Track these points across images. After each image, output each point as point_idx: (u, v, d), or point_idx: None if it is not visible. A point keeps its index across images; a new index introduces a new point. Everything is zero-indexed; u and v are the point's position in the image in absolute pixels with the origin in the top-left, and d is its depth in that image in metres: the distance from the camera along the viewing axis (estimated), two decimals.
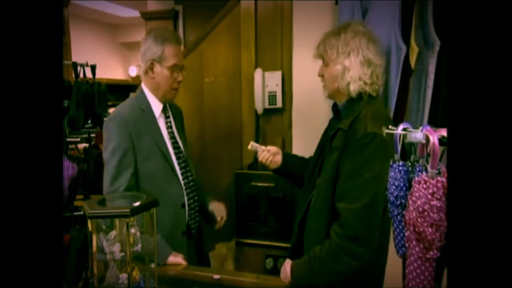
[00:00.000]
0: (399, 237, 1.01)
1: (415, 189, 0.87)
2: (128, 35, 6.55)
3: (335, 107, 1.46)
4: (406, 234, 0.91)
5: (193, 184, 1.70)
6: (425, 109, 1.73)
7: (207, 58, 2.35)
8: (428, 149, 0.90)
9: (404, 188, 0.97)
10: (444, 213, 0.83)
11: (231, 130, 2.34)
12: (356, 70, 1.32)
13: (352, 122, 1.30)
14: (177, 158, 1.65)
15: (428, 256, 0.87)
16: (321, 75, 1.43)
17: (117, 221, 1.14)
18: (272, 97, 2.15)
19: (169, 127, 1.67)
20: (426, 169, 0.90)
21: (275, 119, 2.22)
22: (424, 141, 0.90)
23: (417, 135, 0.91)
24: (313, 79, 1.45)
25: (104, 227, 1.14)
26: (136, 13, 4.99)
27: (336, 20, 1.92)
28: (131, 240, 1.12)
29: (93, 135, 2.55)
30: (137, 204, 1.12)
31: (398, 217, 1.00)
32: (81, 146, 2.71)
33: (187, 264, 1.50)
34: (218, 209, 1.77)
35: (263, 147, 1.65)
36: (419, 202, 0.86)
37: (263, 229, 2.08)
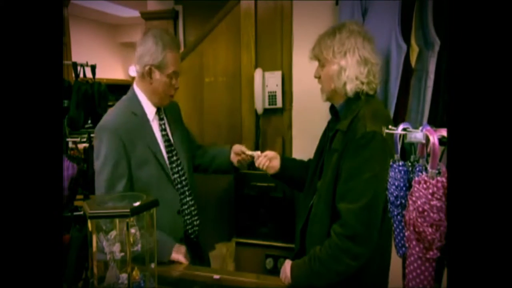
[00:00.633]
0: (399, 237, 1.01)
1: (415, 189, 0.87)
2: (128, 35, 6.55)
3: (333, 109, 1.46)
4: (406, 234, 0.91)
5: (188, 189, 1.66)
6: (425, 109, 1.73)
7: (207, 58, 2.34)
8: (428, 149, 0.90)
9: (404, 188, 0.97)
10: (444, 213, 0.83)
11: (231, 130, 2.33)
12: (352, 70, 1.31)
13: (351, 122, 1.30)
14: (171, 163, 1.61)
15: (428, 256, 0.87)
16: (318, 77, 1.43)
17: (117, 221, 1.14)
18: (272, 97, 2.15)
19: (163, 130, 1.62)
20: (426, 169, 0.90)
21: (275, 119, 2.21)
22: (424, 141, 0.90)
23: (417, 135, 0.91)
24: (313, 79, 1.45)
25: (104, 227, 1.14)
26: (136, 13, 5.00)
27: (336, 20, 1.92)
28: (131, 240, 1.12)
29: (93, 135, 2.55)
30: (137, 204, 1.12)
31: (398, 217, 1.00)
32: (81, 146, 2.71)
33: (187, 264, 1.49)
34: (237, 149, 1.74)
35: (259, 153, 1.63)
36: (419, 202, 0.86)
37: (263, 229, 2.08)
